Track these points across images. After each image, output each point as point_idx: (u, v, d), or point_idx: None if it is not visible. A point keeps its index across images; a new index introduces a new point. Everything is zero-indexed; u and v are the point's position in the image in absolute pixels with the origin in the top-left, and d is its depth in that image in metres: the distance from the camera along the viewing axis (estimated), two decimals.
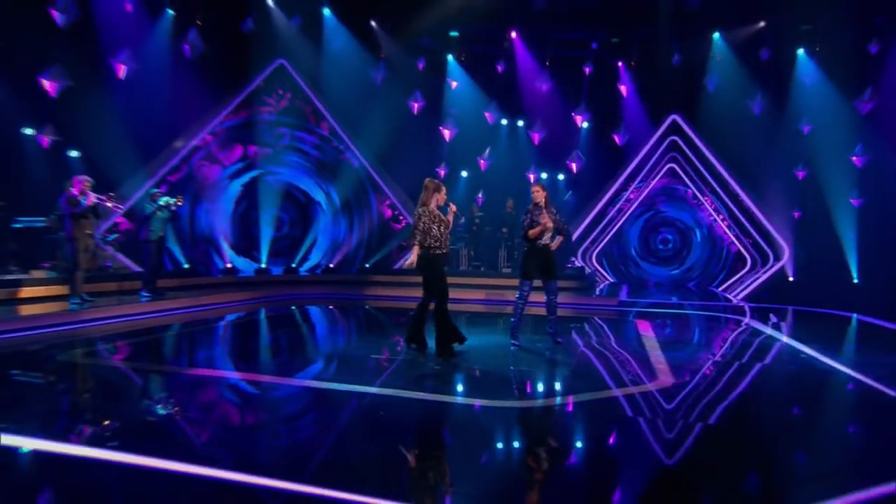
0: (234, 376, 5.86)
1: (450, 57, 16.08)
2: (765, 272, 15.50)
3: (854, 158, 14.02)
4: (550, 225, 6.75)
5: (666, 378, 5.63)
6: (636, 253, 18.68)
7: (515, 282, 7.01)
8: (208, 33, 13.28)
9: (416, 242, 6.17)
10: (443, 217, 6.36)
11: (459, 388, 5.44)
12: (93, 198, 8.53)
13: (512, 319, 6.96)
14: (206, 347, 7.61)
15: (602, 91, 16.14)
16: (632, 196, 17.40)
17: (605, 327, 9.13)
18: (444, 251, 6.33)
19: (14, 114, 10.80)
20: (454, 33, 15.68)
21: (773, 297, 12.90)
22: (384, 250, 15.87)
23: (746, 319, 9.91)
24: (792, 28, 14.28)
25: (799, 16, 13.90)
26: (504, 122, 16.88)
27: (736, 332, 8.86)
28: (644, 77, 15.89)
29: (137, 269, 11.64)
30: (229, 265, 14.06)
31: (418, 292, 6.52)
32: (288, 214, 15.82)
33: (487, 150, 16.33)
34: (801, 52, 14.50)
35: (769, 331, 8.88)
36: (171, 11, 12.92)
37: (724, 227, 16.98)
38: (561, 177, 17.26)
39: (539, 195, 6.85)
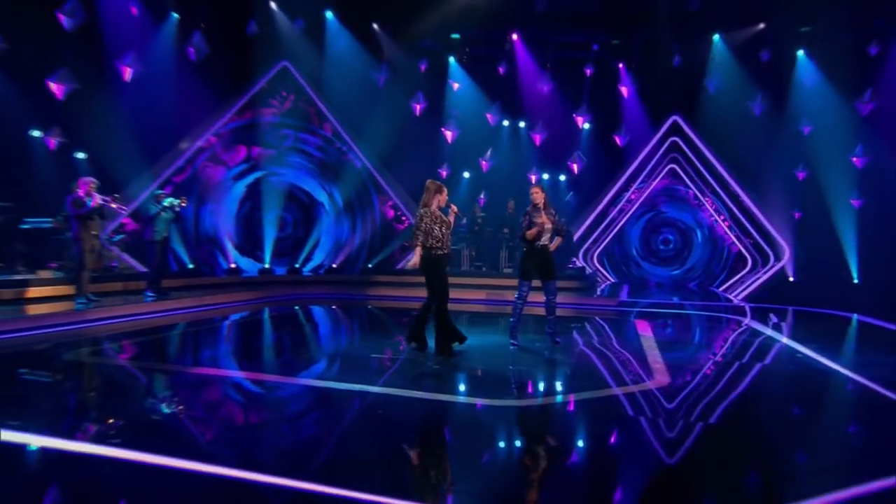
0: (238, 375, 5.95)
1: (451, 59, 16.17)
2: (765, 272, 15.56)
3: (854, 159, 14.08)
4: (549, 226, 6.82)
5: (662, 377, 5.71)
6: (637, 253, 18.74)
7: (516, 282, 7.09)
8: (212, 36, 13.41)
9: (419, 243, 6.26)
10: (444, 218, 6.43)
11: (457, 387, 5.53)
12: (98, 199, 8.64)
13: (511, 319, 7.05)
14: (210, 347, 7.71)
15: (603, 92, 16.21)
16: (633, 197, 17.46)
17: (604, 327, 9.19)
18: (446, 252, 6.41)
19: (22, 116, 10.96)
20: (455, 36, 15.78)
21: (774, 298, 12.93)
22: (386, 251, 15.97)
23: (746, 320, 9.95)
24: (792, 30, 14.34)
25: (799, 18, 13.95)
26: (506, 123, 16.95)
27: (734, 333, 8.90)
28: (645, 78, 15.96)
29: (143, 269, 11.74)
30: (233, 265, 14.19)
31: (420, 292, 6.60)
32: (291, 215, 15.94)
33: (489, 151, 16.43)
34: (800, 53, 14.56)
35: (769, 331, 8.90)
36: (175, 15, 13.06)
37: (724, 227, 17.03)
38: (562, 177, 17.35)
39: (538, 196, 6.91)
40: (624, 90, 16.13)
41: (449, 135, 15.75)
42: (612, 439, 4.20)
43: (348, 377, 5.68)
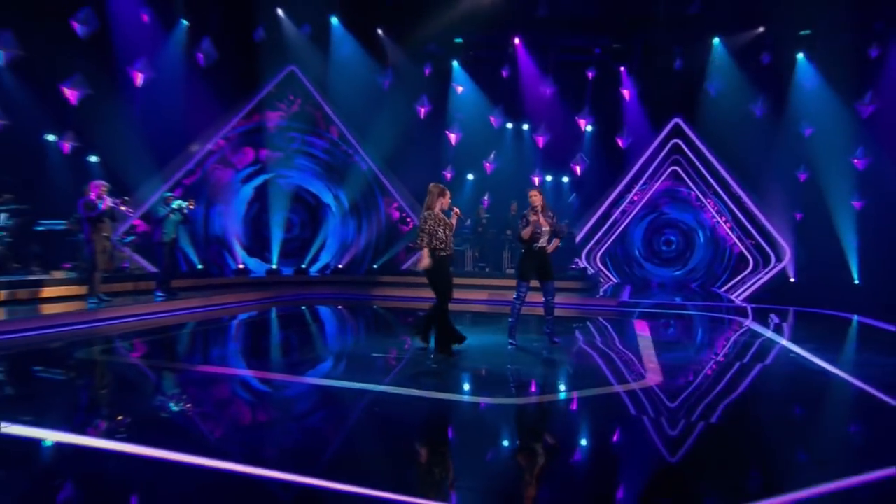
0: (246, 374, 6.11)
1: (455, 63, 16.35)
2: (766, 273, 15.66)
3: (855, 161, 14.16)
4: (546, 228, 6.95)
5: (655, 377, 5.83)
6: (640, 254, 18.86)
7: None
8: (221, 42, 13.64)
9: (424, 244, 6.43)
10: (447, 220, 6.58)
11: (456, 385, 5.69)
12: (109, 202, 8.82)
13: (509, 319, 7.16)
14: (218, 346, 7.88)
15: (605, 95, 16.36)
16: (635, 198, 17.59)
17: (604, 327, 9.24)
18: (449, 253, 6.57)
19: (37, 121, 11.21)
20: (459, 40, 15.96)
21: (775, 298, 12.99)
22: (392, 251, 16.14)
23: (747, 321, 9.93)
24: (792, 33, 14.43)
25: (798, 21, 14.05)
26: (509, 125, 17.11)
27: (734, 333, 8.89)
28: (646, 81, 16.10)
29: (153, 269, 11.95)
30: (241, 266, 14.41)
31: (425, 292, 6.74)
32: (298, 216, 16.15)
33: (492, 154, 16.60)
34: (800, 56, 14.65)
35: (768, 332, 8.86)
36: (185, 22, 13.30)
37: (726, 228, 17.14)
38: (565, 179, 17.51)
39: (536, 199, 6.98)
40: (626, 93, 16.28)
41: (453, 137, 15.94)
42: (607, 437, 4.35)
43: (353, 376, 5.84)
